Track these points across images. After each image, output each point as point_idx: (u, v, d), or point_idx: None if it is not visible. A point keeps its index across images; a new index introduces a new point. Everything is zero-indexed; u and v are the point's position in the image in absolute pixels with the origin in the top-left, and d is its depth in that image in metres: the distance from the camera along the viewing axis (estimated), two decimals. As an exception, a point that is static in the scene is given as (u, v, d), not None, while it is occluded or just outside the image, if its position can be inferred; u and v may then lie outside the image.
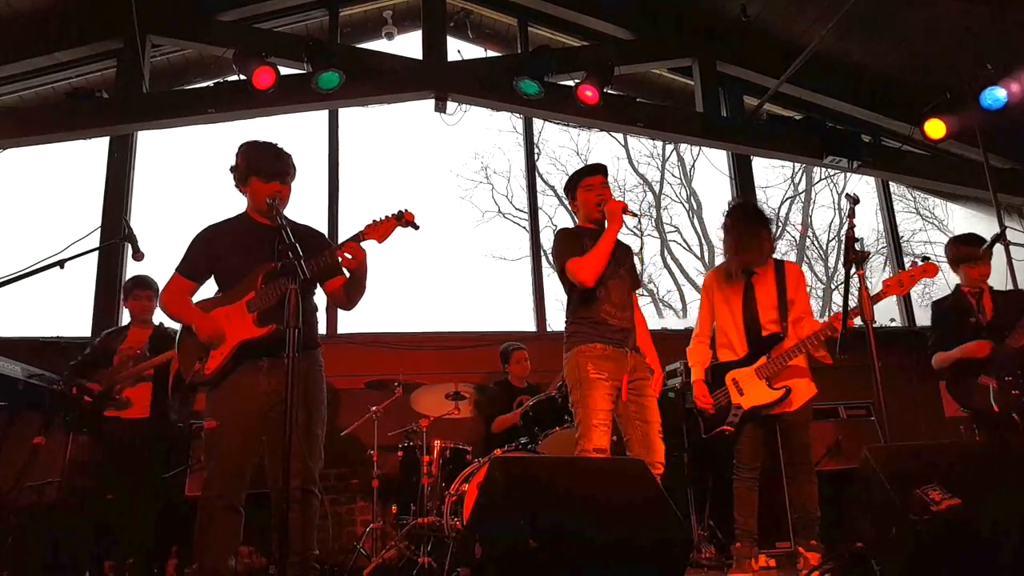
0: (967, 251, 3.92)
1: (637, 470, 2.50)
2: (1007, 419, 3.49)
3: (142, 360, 4.08)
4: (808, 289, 3.87)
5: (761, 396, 3.51)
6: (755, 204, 4.04)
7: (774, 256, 3.76)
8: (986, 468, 2.50)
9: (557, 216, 11.91)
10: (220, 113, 5.62)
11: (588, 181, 3.44)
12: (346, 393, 5.13)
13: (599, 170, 3.48)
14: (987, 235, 4.15)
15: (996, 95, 5.69)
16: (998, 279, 4.10)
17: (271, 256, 2.72)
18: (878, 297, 3.28)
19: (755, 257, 3.66)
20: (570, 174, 3.61)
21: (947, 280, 4.31)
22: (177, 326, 2.96)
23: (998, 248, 4.26)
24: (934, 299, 4.13)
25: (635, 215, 3.33)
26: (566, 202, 4.91)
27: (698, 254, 12.99)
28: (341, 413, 5.02)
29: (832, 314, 3.49)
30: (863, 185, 7.84)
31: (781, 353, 3.50)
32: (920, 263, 3.32)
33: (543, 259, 6.56)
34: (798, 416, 3.53)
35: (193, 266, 2.90)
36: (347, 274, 2.91)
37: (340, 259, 2.74)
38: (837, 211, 12.88)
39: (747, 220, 3.73)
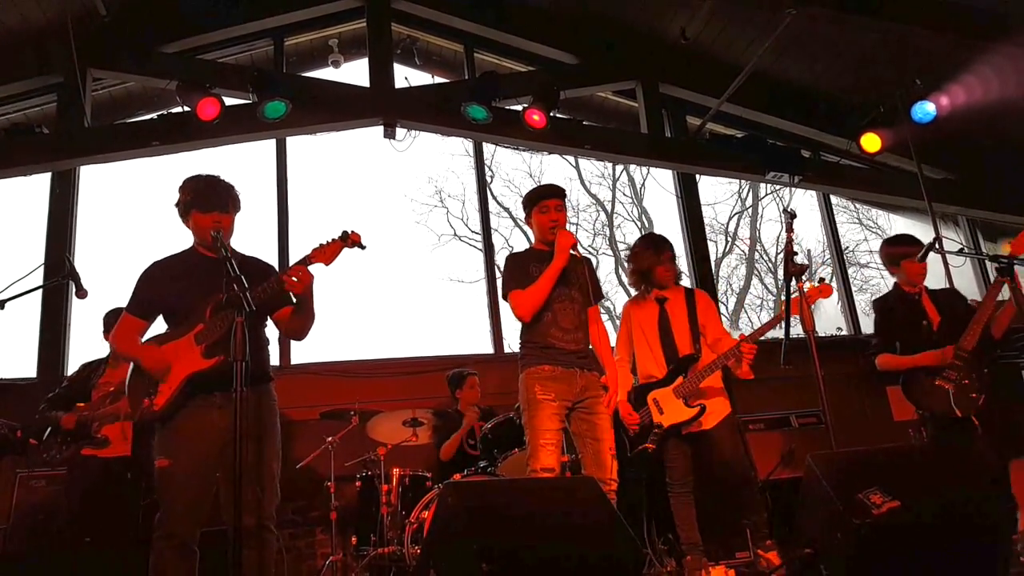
0: (904, 249, 3.95)
1: (588, 489, 2.52)
2: (966, 422, 3.47)
3: (120, 398, 3.92)
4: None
5: (679, 414, 3.69)
6: (657, 234, 4.23)
7: (684, 284, 4.01)
8: (924, 470, 2.58)
9: (513, 237, 12.01)
10: (164, 146, 5.56)
11: (544, 203, 3.45)
12: (301, 425, 5.04)
13: (555, 192, 3.49)
14: (924, 243, 4.30)
15: (926, 109, 5.98)
16: (936, 285, 4.20)
17: (219, 289, 2.66)
18: (774, 321, 3.58)
19: (665, 277, 3.89)
20: (527, 192, 3.63)
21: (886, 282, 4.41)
22: None
23: (936, 255, 4.40)
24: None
25: (581, 256, 3.43)
26: (521, 222, 4.96)
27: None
28: (296, 445, 4.92)
29: (742, 333, 3.69)
30: (807, 199, 8.10)
31: (696, 372, 3.69)
32: (817, 284, 3.54)
33: (498, 281, 6.57)
34: (717, 433, 3.69)
35: (141, 304, 2.85)
36: (294, 301, 2.87)
37: (287, 285, 2.70)
38: (783, 224, 13.21)
39: (653, 247, 3.94)
